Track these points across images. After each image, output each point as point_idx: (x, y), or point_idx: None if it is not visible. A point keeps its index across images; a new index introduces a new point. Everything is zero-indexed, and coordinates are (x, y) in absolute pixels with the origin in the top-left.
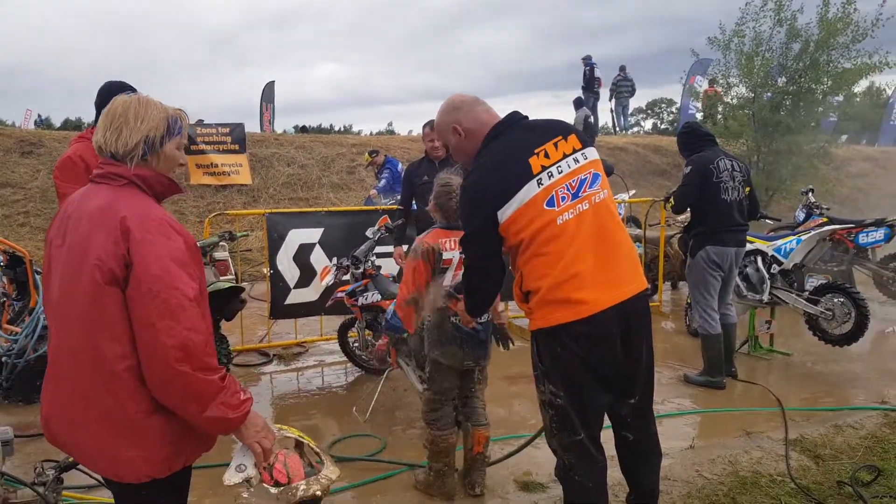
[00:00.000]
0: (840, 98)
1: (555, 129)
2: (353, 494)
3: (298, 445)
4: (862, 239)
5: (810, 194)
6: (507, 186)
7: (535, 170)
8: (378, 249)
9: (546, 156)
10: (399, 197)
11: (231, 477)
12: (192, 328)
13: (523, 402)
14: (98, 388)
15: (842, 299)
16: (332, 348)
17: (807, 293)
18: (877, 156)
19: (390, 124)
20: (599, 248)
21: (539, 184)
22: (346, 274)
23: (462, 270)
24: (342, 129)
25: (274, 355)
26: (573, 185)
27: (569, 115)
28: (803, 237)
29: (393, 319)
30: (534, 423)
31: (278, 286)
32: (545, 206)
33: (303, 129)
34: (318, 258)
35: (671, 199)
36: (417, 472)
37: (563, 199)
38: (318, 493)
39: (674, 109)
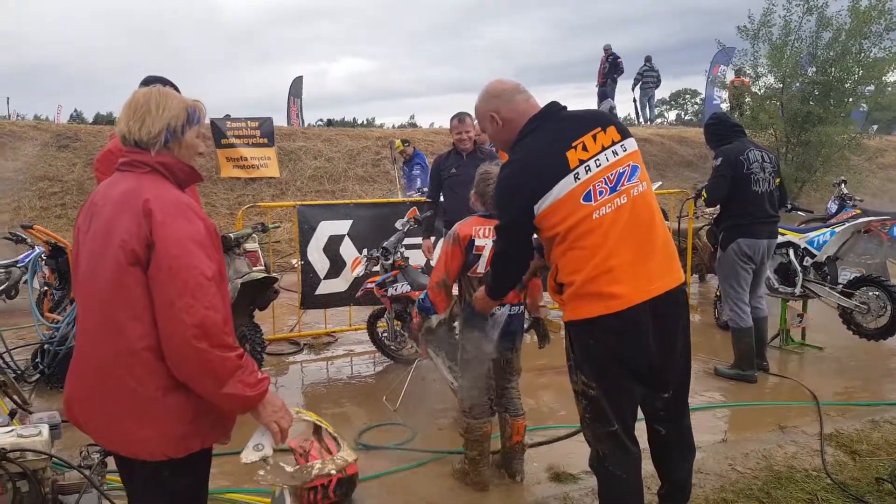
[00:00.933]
0: (871, 88)
1: (593, 120)
2: (384, 483)
3: (316, 430)
4: None
5: (843, 185)
6: (543, 181)
7: (573, 164)
8: (406, 241)
9: (584, 149)
10: (422, 189)
11: (249, 455)
12: (210, 307)
13: (551, 393)
14: (118, 367)
15: (877, 292)
16: (360, 338)
17: (840, 286)
18: None
19: (412, 117)
20: (635, 242)
21: (576, 178)
22: (375, 265)
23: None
24: (365, 122)
25: (304, 345)
26: (611, 178)
27: (592, 107)
28: (837, 229)
29: (424, 301)
30: (563, 415)
31: (309, 277)
32: (582, 201)
33: (328, 123)
34: (347, 249)
35: (703, 193)
36: (455, 461)
37: (601, 193)
38: (333, 472)
39: (698, 100)
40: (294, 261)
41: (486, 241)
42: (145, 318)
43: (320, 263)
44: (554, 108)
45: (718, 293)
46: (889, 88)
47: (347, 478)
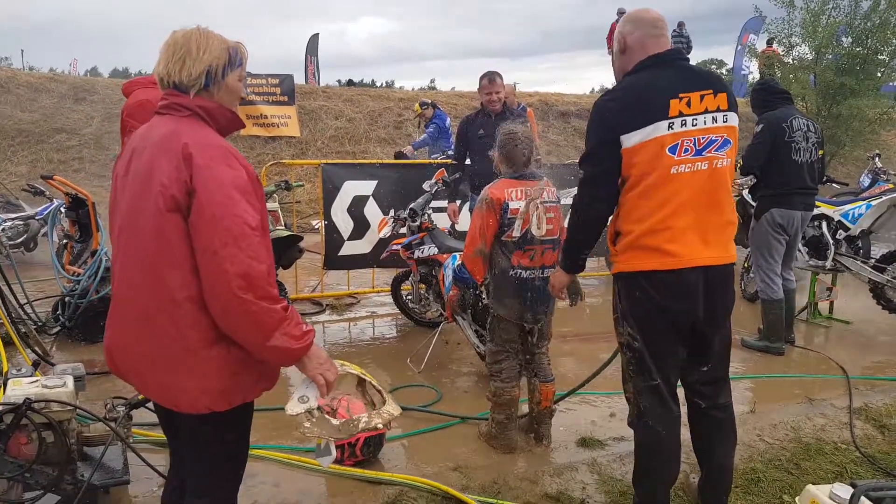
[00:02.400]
0: None
1: (707, 81)
2: (410, 444)
3: (360, 383)
4: None
5: (877, 159)
6: (640, 116)
7: (672, 112)
8: (431, 204)
9: (688, 105)
10: (444, 150)
11: (294, 407)
12: (254, 256)
13: (575, 360)
14: (159, 317)
15: None
16: (383, 300)
17: (873, 261)
18: None
19: (433, 81)
20: (702, 209)
21: (670, 127)
22: (402, 226)
23: (530, 222)
24: (384, 84)
25: (327, 305)
26: (700, 141)
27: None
28: (874, 202)
29: (461, 272)
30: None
31: (332, 237)
32: (666, 151)
33: (349, 83)
34: (372, 210)
35: (740, 159)
36: (482, 424)
37: (686, 151)
38: (380, 425)
39: (724, 71)
40: (315, 221)
41: (519, 203)
42: (185, 266)
43: (344, 224)
44: (674, 55)
45: (746, 264)
46: None
47: (376, 437)
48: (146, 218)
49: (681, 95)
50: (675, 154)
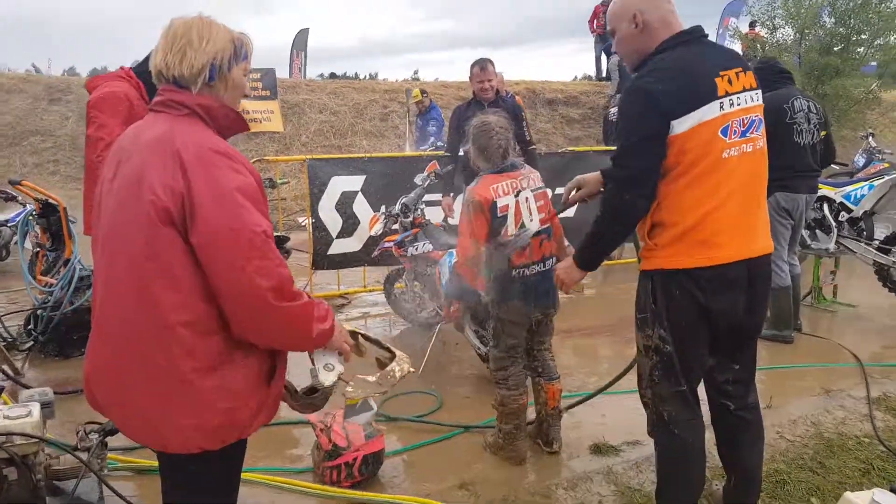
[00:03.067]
0: (883, 41)
1: (737, 58)
2: (411, 458)
3: (354, 336)
4: None
5: (871, 139)
6: (692, 97)
7: (720, 92)
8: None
9: (730, 82)
10: (435, 144)
11: (327, 378)
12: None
13: (581, 357)
14: (148, 343)
15: None
16: (375, 300)
17: (877, 242)
18: None
19: (415, 72)
20: (747, 195)
21: (721, 107)
22: (395, 223)
23: (522, 216)
24: (367, 77)
25: None
26: (745, 122)
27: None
28: (876, 182)
29: (461, 284)
30: (595, 381)
31: (320, 235)
32: (719, 133)
33: (331, 76)
34: (361, 206)
35: None
36: (487, 434)
37: (735, 133)
38: (409, 369)
39: None
40: (301, 219)
41: (507, 199)
42: (183, 286)
43: (332, 221)
44: (701, 32)
45: None
46: None
47: (373, 455)
48: (135, 231)
49: (721, 73)
50: (726, 137)
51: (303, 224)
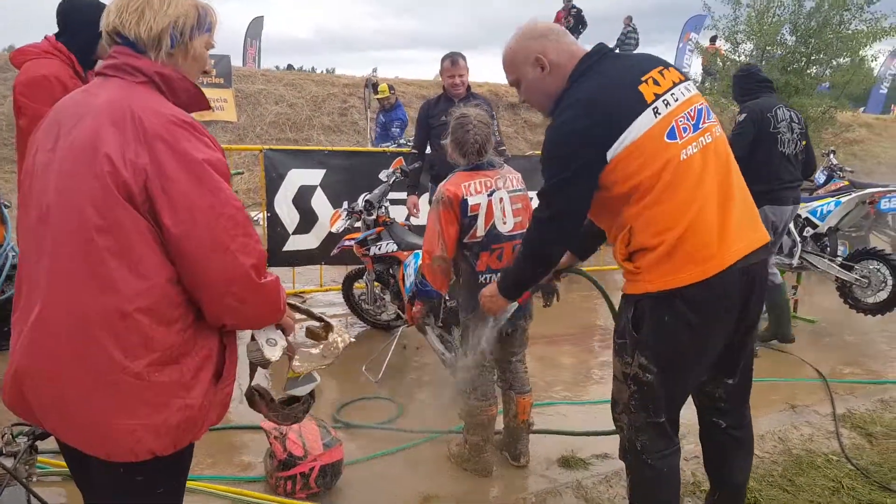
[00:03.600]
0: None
1: (653, 59)
2: (370, 469)
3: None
4: (884, 205)
5: (832, 156)
6: (619, 119)
7: (649, 98)
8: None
9: (655, 83)
10: (397, 142)
11: (272, 353)
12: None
13: (544, 366)
14: (99, 333)
15: (878, 265)
16: (332, 300)
17: (840, 259)
18: (872, 122)
19: (375, 70)
20: (723, 189)
21: (656, 113)
22: (357, 220)
23: (494, 217)
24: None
25: None
26: (692, 114)
27: None
28: (843, 199)
29: (423, 285)
30: (559, 391)
31: (276, 231)
32: (666, 139)
33: (288, 68)
34: (320, 202)
35: None
36: (451, 444)
37: (685, 130)
38: (350, 339)
39: None
40: (255, 213)
41: (479, 199)
42: (144, 270)
43: (289, 217)
44: (606, 48)
45: None
46: (865, 62)
47: (331, 465)
48: (87, 204)
49: (643, 79)
50: (676, 139)
51: (256, 218)
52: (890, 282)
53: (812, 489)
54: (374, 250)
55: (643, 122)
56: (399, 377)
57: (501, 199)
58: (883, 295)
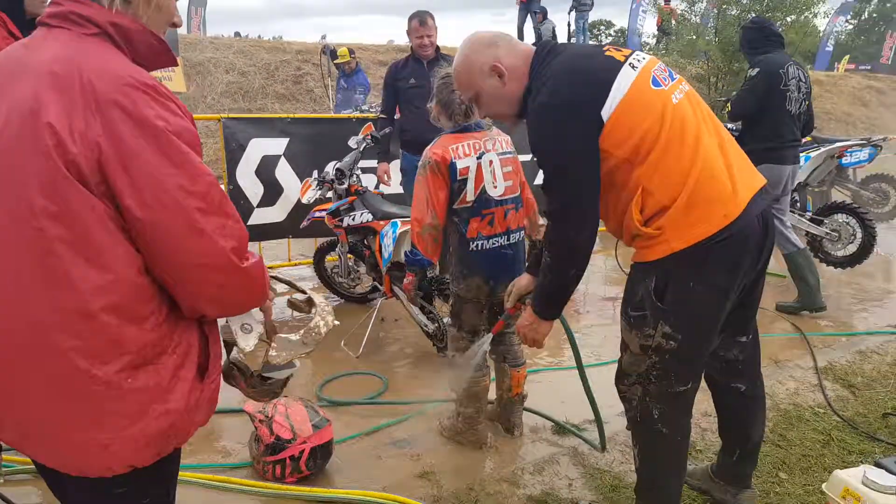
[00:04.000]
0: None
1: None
2: (361, 446)
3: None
4: (846, 159)
5: None
6: (601, 80)
7: (620, 58)
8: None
9: (617, 50)
10: (360, 108)
11: (248, 342)
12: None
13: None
14: (56, 337)
15: (847, 219)
16: (302, 274)
17: (809, 213)
18: (822, 79)
19: (324, 36)
20: (717, 131)
21: (633, 67)
22: (329, 190)
23: (484, 180)
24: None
25: None
26: (663, 68)
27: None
28: (812, 154)
29: (413, 254)
30: (542, 357)
31: (239, 205)
32: (653, 86)
33: (235, 36)
34: (285, 172)
35: (728, 105)
36: (442, 417)
37: (665, 79)
38: (334, 321)
39: (613, 31)
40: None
41: (468, 162)
42: (105, 261)
43: (252, 189)
44: (553, 41)
45: None
46: (812, 22)
47: (321, 447)
48: (31, 183)
49: (603, 49)
50: (661, 86)
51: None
52: (859, 234)
53: (803, 443)
54: (347, 221)
55: (626, 77)
56: (380, 351)
57: (491, 162)
58: (852, 248)
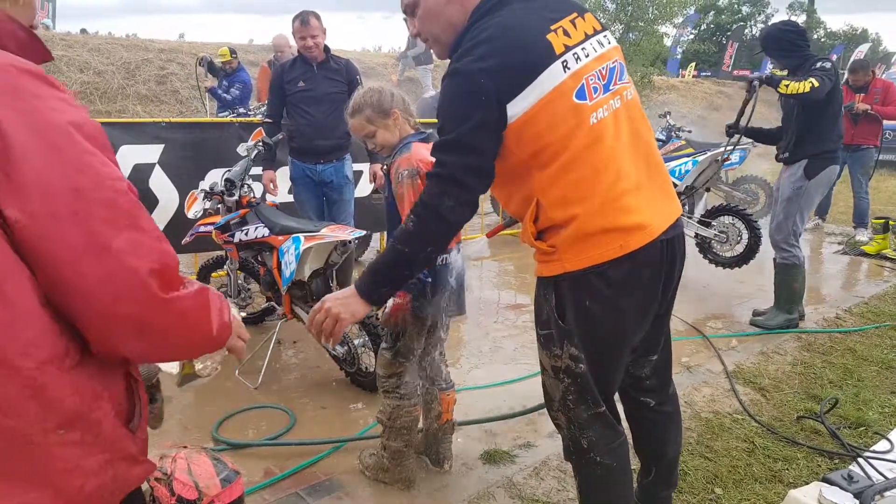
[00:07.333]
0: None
1: (567, 3)
2: (274, 494)
3: None
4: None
5: (668, 117)
6: (526, 68)
7: (558, 49)
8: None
9: (566, 34)
10: (237, 111)
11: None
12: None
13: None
14: None
15: (733, 220)
16: None
17: (698, 216)
18: (677, 84)
19: (182, 35)
20: (638, 157)
21: (565, 68)
22: (219, 202)
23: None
24: (125, 37)
25: None
26: (603, 73)
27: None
28: (699, 158)
29: (424, 274)
30: (459, 371)
31: None
32: (575, 99)
33: (82, 33)
34: (160, 182)
35: (814, 80)
36: (362, 453)
37: (595, 90)
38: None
39: None
40: None
41: None
42: (18, 305)
43: None
44: None
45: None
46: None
47: (235, 502)
48: None
49: (553, 28)
50: (586, 100)
51: None
52: (745, 235)
53: (730, 453)
54: (239, 236)
55: (551, 76)
56: (280, 379)
57: None
58: (739, 248)
